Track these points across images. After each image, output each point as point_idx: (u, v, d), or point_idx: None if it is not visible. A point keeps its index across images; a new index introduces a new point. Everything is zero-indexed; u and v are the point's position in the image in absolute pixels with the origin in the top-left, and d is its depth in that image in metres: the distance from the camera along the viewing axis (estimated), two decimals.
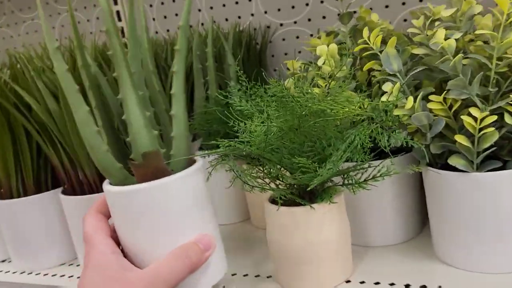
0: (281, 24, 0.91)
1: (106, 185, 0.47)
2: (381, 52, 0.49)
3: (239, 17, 0.93)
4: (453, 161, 0.48)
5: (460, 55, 0.44)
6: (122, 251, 0.47)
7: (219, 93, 0.64)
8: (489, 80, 0.46)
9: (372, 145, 0.47)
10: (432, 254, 0.56)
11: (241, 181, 0.51)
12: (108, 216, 0.48)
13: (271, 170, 0.53)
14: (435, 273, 0.52)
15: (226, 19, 0.94)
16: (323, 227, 0.50)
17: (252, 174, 0.52)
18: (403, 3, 0.80)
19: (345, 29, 0.57)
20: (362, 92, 0.50)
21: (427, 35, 0.48)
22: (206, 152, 0.46)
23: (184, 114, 0.48)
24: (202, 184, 0.48)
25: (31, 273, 0.70)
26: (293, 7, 0.89)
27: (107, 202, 0.48)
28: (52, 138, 0.63)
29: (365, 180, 0.49)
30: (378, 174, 0.48)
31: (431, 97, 0.48)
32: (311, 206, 0.49)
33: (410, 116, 0.48)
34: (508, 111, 0.45)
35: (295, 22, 0.90)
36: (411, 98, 0.46)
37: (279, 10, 0.90)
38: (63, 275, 0.67)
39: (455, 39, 0.45)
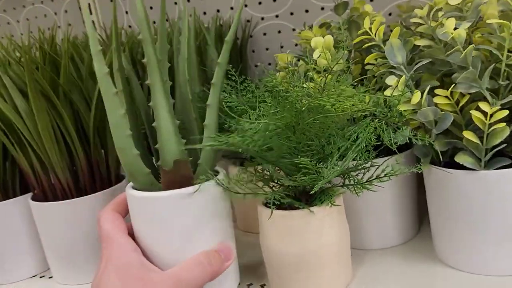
0: (262, 18, 0.87)
1: (129, 190, 0.47)
2: (383, 43, 0.46)
3: (218, 11, 0.89)
4: (460, 158, 0.45)
5: (472, 46, 0.41)
6: None
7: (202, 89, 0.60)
8: (498, 72, 0.44)
9: (376, 143, 0.44)
10: (433, 256, 0.54)
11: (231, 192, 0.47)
12: (123, 216, 0.48)
13: (266, 171, 0.49)
14: (439, 277, 0.50)
15: (204, 13, 0.90)
16: (323, 232, 0.47)
17: (243, 180, 0.48)
18: None
19: (340, 20, 0.54)
20: (362, 87, 0.47)
21: (431, 26, 0.45)
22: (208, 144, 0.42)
23: (216, 125, 0.48)
24: (223, 194, 0.48)
25: None
26: (274, 0, 0.85)
27: (129, 206, 0.48)
28: (21, 139, 0.58)
29: (368, 180, 0.46)
30: (383, 174, 0.45)
31: (437, 91, 0.45)
32: (310, 210, 0.46)
33: (415, 111, 0.45)
34: None
35: (276, 16, 0.86)
36: (418, 92, 0.43)
37: (260, 3, 0.86)
38: None
39: (464, 30, 0.42)
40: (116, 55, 0.47)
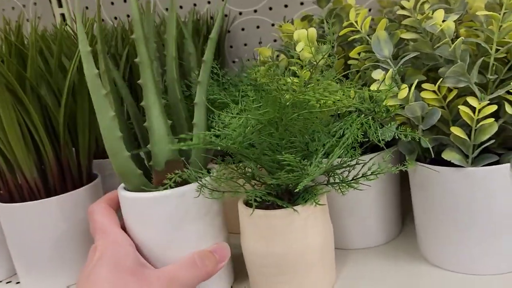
0: (240, 13, 0.85)
1: (121, 191, 0.47)
2: (370, 35, 0.44)
3: (195, 5, 0.86)
4: (447, 155, 0.44)
5: (461, 38, 0.40)
6: None
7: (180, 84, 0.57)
8: (485, 66, 0.43)
9: (362, 139, 0.42)
10: (418, 255, 0.52)
11: (209, 190, 0.46)
12: (116, 211, 0.48)
13: (247, 169, 0.47)
14: (424, 276, 0.48)
15: (181, 7, 0.87)
16: (307, 232, 0.45)
17: (223, 177, 0.46)
18: None
19: (323, 13, 0.52)
20: (348, 81, 0.45)
21: (418, 19, 0.44)
22: (184, 144, 0.39)
23: (205, 124, 0.48)
24: (216, 193, 0.48)
25: None
26: None
27: (121, 207, 0.48)
28: None
29: (354, 179, 0.45)
30: (369, 172, 0.43)
31: (424, 85, 0.43)
32: (294, 209, 0.44)
33: (402, 106, 0.43)
34: (508, 100, 0.42)
35: (255, 11, 0.84)
36: (405, 87, 0.42)
37: None
38: None
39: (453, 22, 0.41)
40: (102, 56, 0.46)
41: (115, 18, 0.92)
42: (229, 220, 0.52)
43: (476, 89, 0.42)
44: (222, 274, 0.50)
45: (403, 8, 0.45)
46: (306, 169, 0.40)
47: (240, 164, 0.48)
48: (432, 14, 0.43)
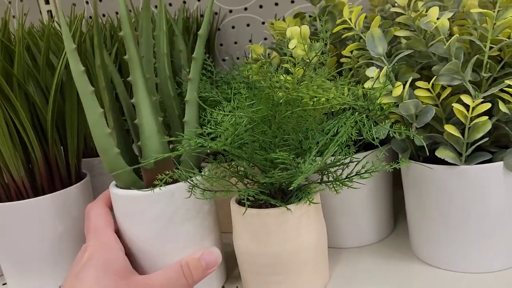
0: (231, 11, 0.84)
1: (112, 188, 0.47)
2: (363, 32, 0.44)
3: (184, 2, 0.86)
4: (441, 153, 0.44)
5: (456, 36, 0.40)
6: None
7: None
8: (479, 65, 0.43)
9: (357, 137, 0.42)
10: (410, 254, 0.52)
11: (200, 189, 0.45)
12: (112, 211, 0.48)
13: (239, 168, 0.46)
14: (417, 274, 0.48)
15: (170, 4, 0.86)
16: (300, 231, 0.45)
17: (215, 176, 0.46)
18: None
19: (315, 11, 0.52)
20: (341, 78, 0.45)
21: (412, 16, 0.44)
22: (172, 153, 0.39)
23: (196, 121, 0.48)
24: (207, 193, 0.48)
25: None
26: None
27: (113, 204, 0.48)
28: None
29: (348, 177, 0.44)
30: (363, 170, 0.43)
31: (418, 83, 0.43)
32: (287, 208, 0.43)
33: (396, 104, 0.43)
34: (501, 98, 0.41)
35: (245, 9, 0.83)
36: (400, 85, 0.41)
37: None
38: None
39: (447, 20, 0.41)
40: (98, 52, 0.46)
41: (103, 15, 0.90)
42: (220, 219, 0.52)
43: (470, 87, 0.42)
44: (214, 274, 0.49)
45: (394, 6, 0.45)
46: (300, 167, 0.40)
47: (233, 163, 0.47)
48: (426, 11, 0.43)
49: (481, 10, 0.40)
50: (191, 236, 0.47)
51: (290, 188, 0.40)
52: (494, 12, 0.40)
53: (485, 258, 0.46)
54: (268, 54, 0.58)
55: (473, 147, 0.43)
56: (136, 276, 0.43)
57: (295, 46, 0.48)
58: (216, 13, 0.84)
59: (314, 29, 0.57)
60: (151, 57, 0.49)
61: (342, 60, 0.53)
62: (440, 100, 0.44)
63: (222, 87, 0.47)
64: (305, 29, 0.48)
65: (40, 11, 0.94)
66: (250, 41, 0.85)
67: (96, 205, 0.48)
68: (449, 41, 0.40)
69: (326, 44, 0.53)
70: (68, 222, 0.55)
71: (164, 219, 0.46)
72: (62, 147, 0.57)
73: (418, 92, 0.43)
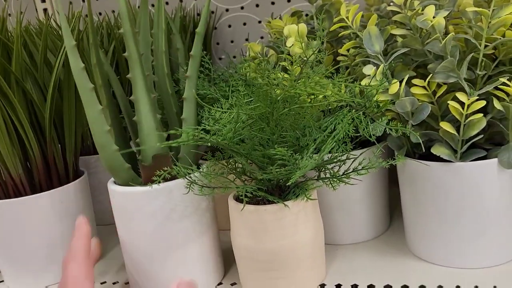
0: (227, 10, 0.84)
1: (111, 185, 0.47)
2: (360, 31, 0.44)
3: (181, 1, 0.86)
4: (437, 150, 0.44)
5: (452, 34, 0.40)
6: None
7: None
8: (474, 63, 0.43)
9: (354, 134, 0.42)
10: (406, 250, 0.53)
11: (198, 186, 0.46)
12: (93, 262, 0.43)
13: (238, 164, 0.47)
14: (413, 271, 0.49)
15: (167, 3, 0.86)
16: (298, 227, 0.45)
17: (214, 173, 0.46)
18: None
19: (312, 9, 0.52)
20: (339, 75, 0.45)
21: (408, 15, 0.44)
22: (173, 142, 0.39)
23: (194, 119, 0.48)
24: (205, 189, 0.48)
25: None
26: None
27: (111, 201, 0.48)
28: None
29: (345, 173, 0.45)
30: (360, 167, 0.44)
31: (414, 81, 0.44)
32: (285, 204, 0.44)
33: (392, 101, 0.44)
34: (496, 96, 0.42)
35: (242, 8, 0.84)
36: (396, 82, 0.42)
37: None
38: None
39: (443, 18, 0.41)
40: (94, 49, 0.46)
41: (100, 13, 0.90)
42: (217, 217, 0.52)
43: (465, 85, 0.42)
44: (211, 270, 0.50)
45: (389, 5, 0.45)
46: (297, 163, 0.40)
47: (231, 160, 0.47)
48: (422, 10, 0.43)
49: (476, 9, 0.40)
50: (189, 232, 0.47)
51: (288, 184, 0.41)
52: (489, 10, 0.40)
53: (480, 253, 0.47)
54: (265, 52, 0.59)
55: (468, 144, 0.44)
56: None
57: (293, 44, 0.49)
58: (212, 12, 0.85)
59: (311, 28, 0.57)
60: (149, 55, 0.49)
61: (339, 58, 0.54)
62: (436, 97, 0.44)
63: (220, 85, 0.48)
64: (303, 27, 0.48)
65: (36, 9, 0.94)
66: (246, 39, 0.85)
67: (74, 262, 0.40)
68: (445, 39, 0.40)
69: (323, 43, 0.54)
70: (66, 219, 0.55)
71: (162, 215, 0.46)
72: (59, 145, 0.57)
73: (414, 90, 0.44)
